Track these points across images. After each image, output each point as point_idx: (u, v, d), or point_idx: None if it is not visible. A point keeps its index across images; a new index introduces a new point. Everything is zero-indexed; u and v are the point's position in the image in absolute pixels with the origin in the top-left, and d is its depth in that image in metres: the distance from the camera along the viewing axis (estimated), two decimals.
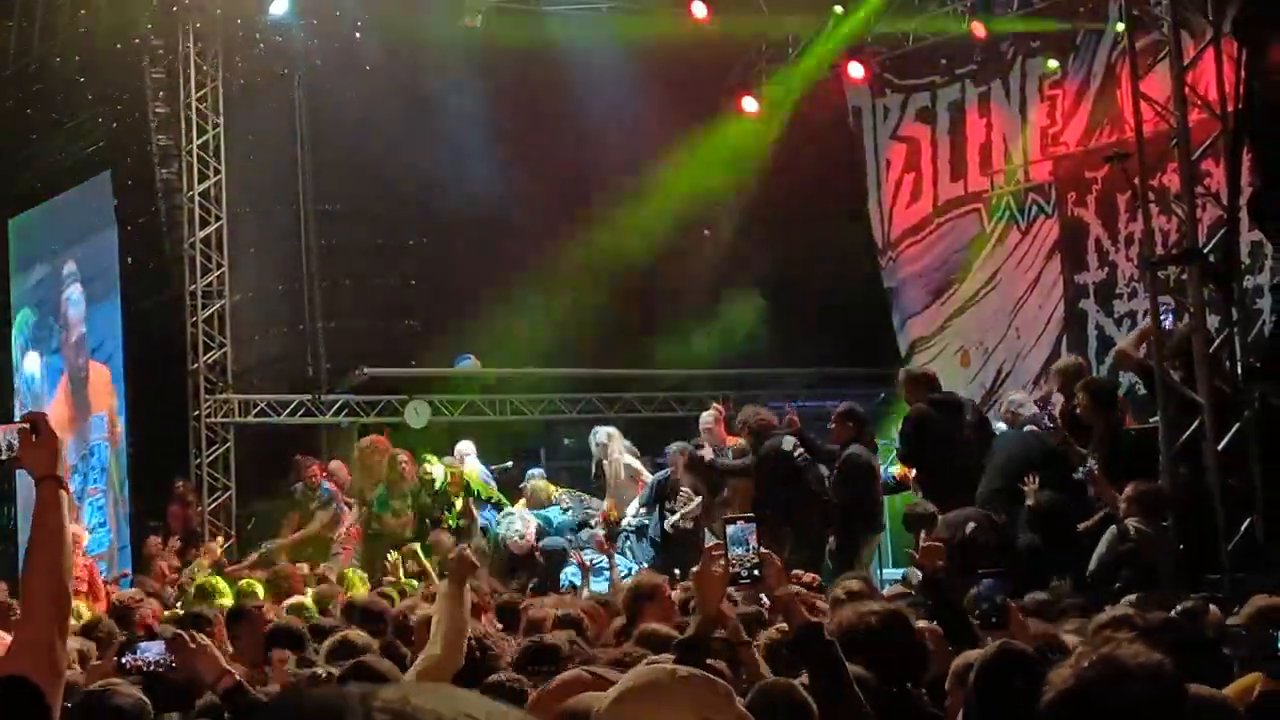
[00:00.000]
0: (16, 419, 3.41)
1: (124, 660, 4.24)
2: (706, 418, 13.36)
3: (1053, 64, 15.38)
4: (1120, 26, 12.93)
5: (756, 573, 4.01)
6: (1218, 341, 9.18)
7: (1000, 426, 11.59)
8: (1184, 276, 9.38)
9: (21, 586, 3.29)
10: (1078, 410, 9.98)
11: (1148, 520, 8.74)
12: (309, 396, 16.25)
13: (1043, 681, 3.99)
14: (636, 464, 14.16)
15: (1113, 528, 8.80)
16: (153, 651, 4.24)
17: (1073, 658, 2.75)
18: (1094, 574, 8.71)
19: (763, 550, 4.07)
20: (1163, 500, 8.91)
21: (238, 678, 4.37)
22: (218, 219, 15.95)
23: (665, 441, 15.98)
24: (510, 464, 15.43)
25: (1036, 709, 3.78)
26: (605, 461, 14.16)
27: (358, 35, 16.07)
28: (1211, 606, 6.68)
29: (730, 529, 4.07)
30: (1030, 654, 4.35)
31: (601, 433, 14.39)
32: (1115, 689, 2.67)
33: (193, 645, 4.27)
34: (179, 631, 4.42)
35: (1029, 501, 10.12)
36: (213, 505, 15.64)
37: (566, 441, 16.99)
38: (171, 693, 4.69)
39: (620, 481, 13.94)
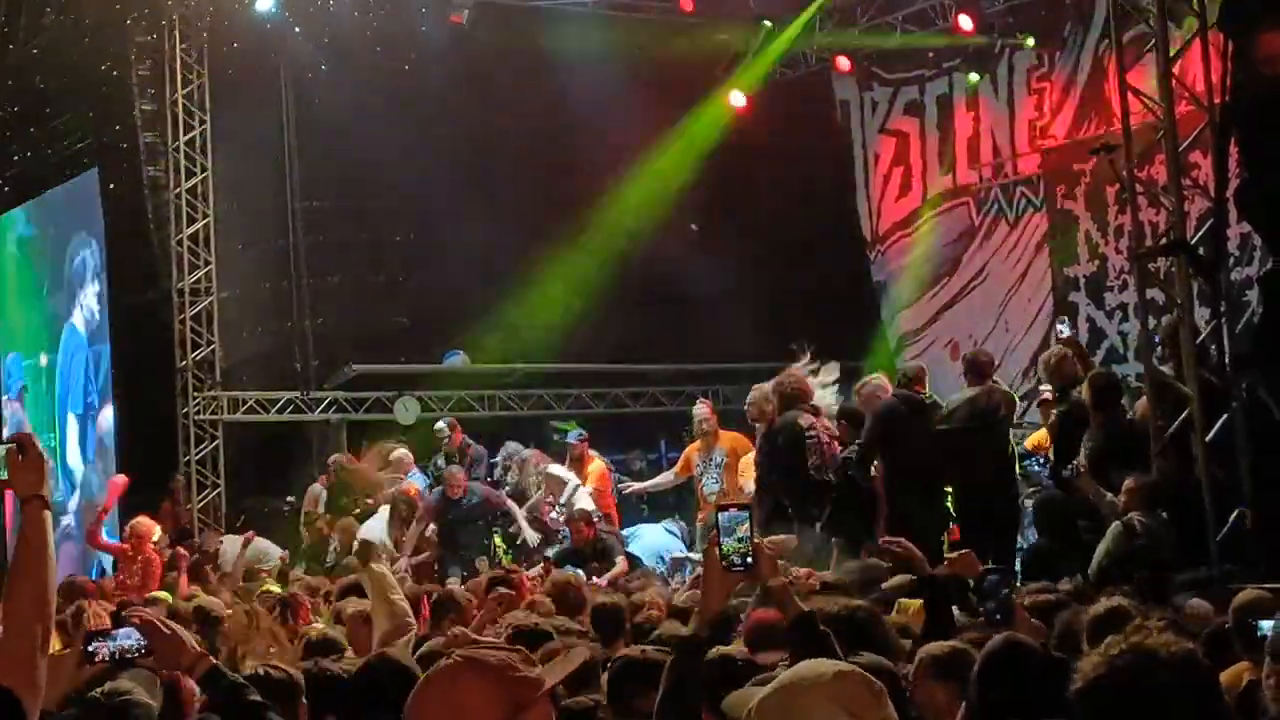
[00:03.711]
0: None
1: (92, 647, 4.18)
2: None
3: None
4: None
5: (750, 560, 3.99)
6: (1205, 333, 9.18)
7: None
8: (1173, 268, 9.38)
9: (3, 603, 3.29)
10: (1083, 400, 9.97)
11: (1148, 513, 8.72)
12: (297, 393, 16.24)
13: (1046, 675, 3.99)
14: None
15: (1117, 524, 8.75)
16: (124, 639, 4.19)
17: (1102, 646, 2.74)
18: (1100, 570, 8.64)
19: (755, 539, 4.05)
20: (1161, 493, 8.90)
21: (214, 661, 4.33)
22: (205, 216, 15.93)
23: (655, 436, 16.02)
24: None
25: (1039, 701, 3.79)
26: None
27: (344, 31, 16.02)
28: (1202, 601, 6.68)
29: (722, 516, 4.02)
30: (1035, 647, 4.35)
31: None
32: (1146, 678, 2.67)
33: (166, 631, 4.23)
34: (150, 618, 4.35)
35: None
36: (201, 503, 15.62)
37: (556, 437, 16.95)
38: None
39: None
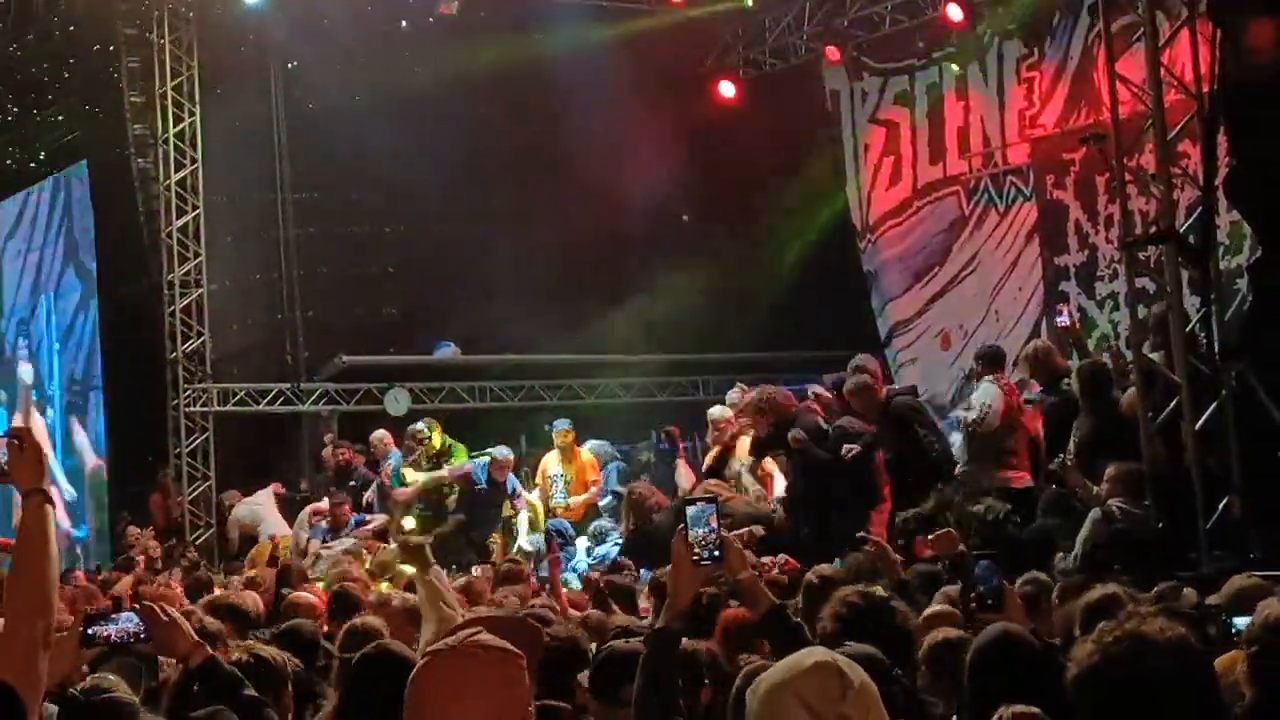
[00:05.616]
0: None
1: (91, 631, 4.16)
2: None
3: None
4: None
5: (718, 554, 4.00)
6: (1195, 321, 9.19)
7: None
8: (1163, 257, 9.39)
9: (5, 597, 3.28)
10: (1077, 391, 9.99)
11: (1132, 501, 8.75)
12: (288, 385, 16.22)
13: (1040, 665, 4.00)
14: None
15: (1095, 510, 8.79)
16: (124, 623, 4.17)
17: (1095, 632, 2.75)
18: (1081, 557, 8.67)
19: (723, 532, 4.06)
20: (1145, 481, 8.91)
21: (210, 651, 4.32)
22: (195, 208, 15.89)
23: (645, 427, 16.01)
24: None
25: (1033, 692, 3.80)
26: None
27: (334, 22, 15.97)
28: (1187, 589, 6.70)
29: (690, 510, 4.04)
30: (1028, 638, 4.35)
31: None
32: (1140, 663, 2.67)
33: (164, 618, 4.21)
34: (150, 604, 4.34)
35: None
36: (193, 494, 15.59)
37: (547, 428, 16.93)
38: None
39: None
